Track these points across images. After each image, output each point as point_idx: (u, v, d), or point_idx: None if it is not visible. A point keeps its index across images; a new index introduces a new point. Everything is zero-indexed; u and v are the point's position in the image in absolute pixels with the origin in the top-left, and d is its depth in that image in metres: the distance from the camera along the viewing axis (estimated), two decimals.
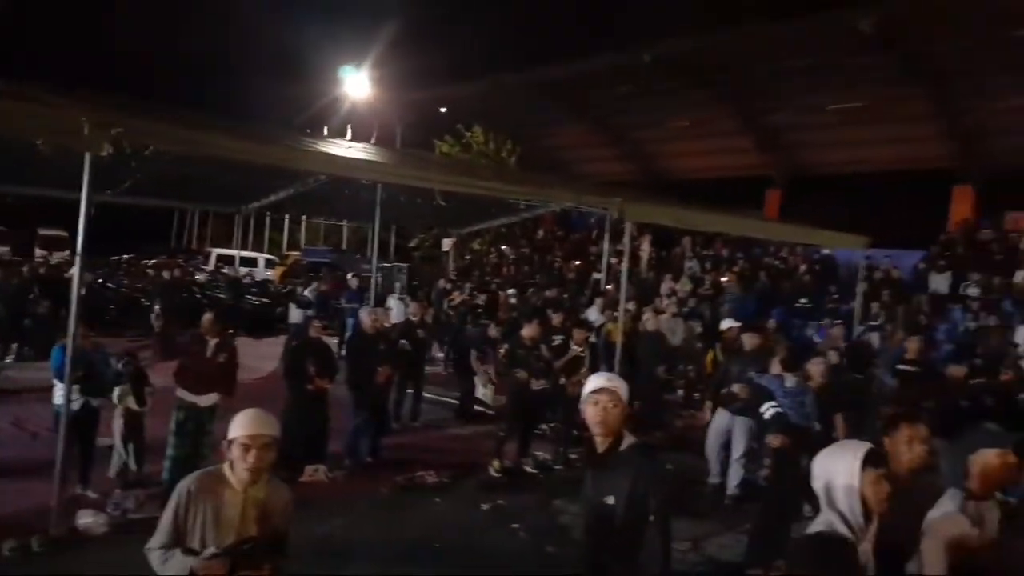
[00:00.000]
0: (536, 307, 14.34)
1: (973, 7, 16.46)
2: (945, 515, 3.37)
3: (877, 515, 2.79)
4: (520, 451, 8.49)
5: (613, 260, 14.89)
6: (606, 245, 13.57)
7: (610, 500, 3.07)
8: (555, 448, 8.97)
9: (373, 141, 20.89)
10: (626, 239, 10.64)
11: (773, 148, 24.38)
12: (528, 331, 8.57)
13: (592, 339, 10.67)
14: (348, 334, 12.53)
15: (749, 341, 8.23)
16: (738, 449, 7.73)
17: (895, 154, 21.52)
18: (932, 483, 3.76)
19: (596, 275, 17.67)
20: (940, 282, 17.89)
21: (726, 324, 10.26)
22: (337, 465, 7.93)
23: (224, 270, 22.83)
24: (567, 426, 8.87)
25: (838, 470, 2.83)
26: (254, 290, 20.60)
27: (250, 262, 26.29)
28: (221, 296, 18.36)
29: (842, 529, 2.84)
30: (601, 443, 3.16)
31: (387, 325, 9.44)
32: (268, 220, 34.54)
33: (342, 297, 15.78)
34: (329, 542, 6.00)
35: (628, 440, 3.16)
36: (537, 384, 8.29)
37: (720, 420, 8.00)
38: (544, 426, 9.36)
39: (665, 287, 18.41)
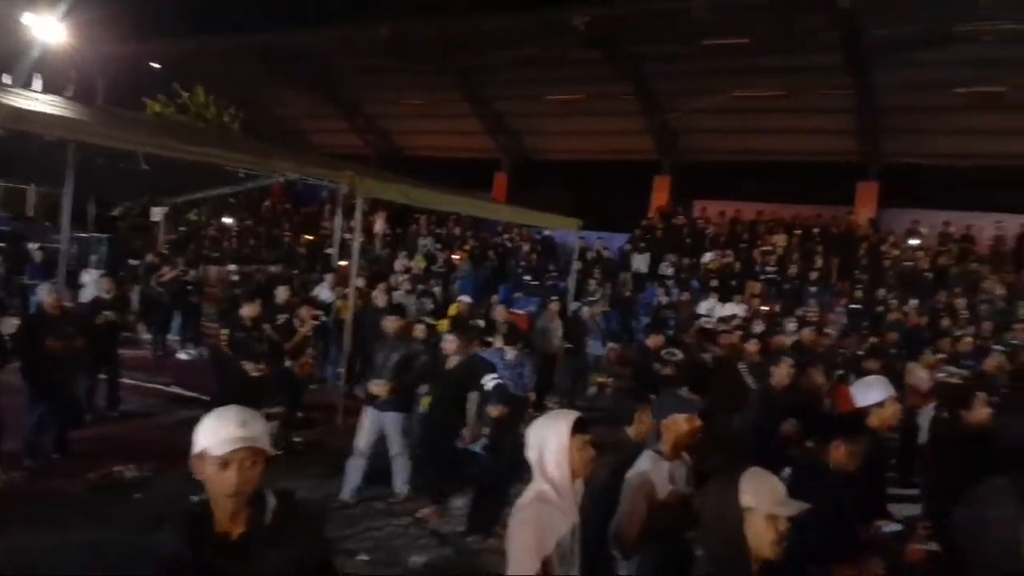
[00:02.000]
0: (260, 284, 13.53)
1: (672, 17, 18.39)
2: (638, 473, 3.67)
3: (583, 478, 2.94)
4: None
5: (346, 236, 14.51)
6: (338, 220, 13.18)
7: None
8: (278, 434, 8.49)
9: (69, 95, 18.22)
10: (358, 214, 10.37)
11: (500, 133, 25.43)
12: (248, 310, 7.94)
13: (323, 318, 10.29)
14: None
15: (392, 325, 7.01)
16: (395, 446, 6.73)
17: (606, 145, 23.58)
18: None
19: (328, 251, 17.14)
20: (641, 262, 19.95)
21: (461, 300, 10.43)
22: (15, 466, 6.79)
23: None
24: (291, 410, 8.45)
25: (549, 438, 2.92)
26: None
27: None
28: None
29: (552, 496, 2.94)
30: (230, 520, 2.19)
31: (71, 304, 8.25)
32: None
33: (25, 272, 13.65)
34: (12, 556, 5.10)
35: (271, 504, 2.27)
36: (256, 369, 7.67)
37: (370, 418, 6.74)
38: (267, 411, 8.81)
39: (399, 264, 18.41)
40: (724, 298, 16.71)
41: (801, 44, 18.08)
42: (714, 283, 17.66)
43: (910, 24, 16.67)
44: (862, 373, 8.62)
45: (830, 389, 9.27)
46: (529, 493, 2.95)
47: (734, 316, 13.58)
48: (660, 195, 23.49)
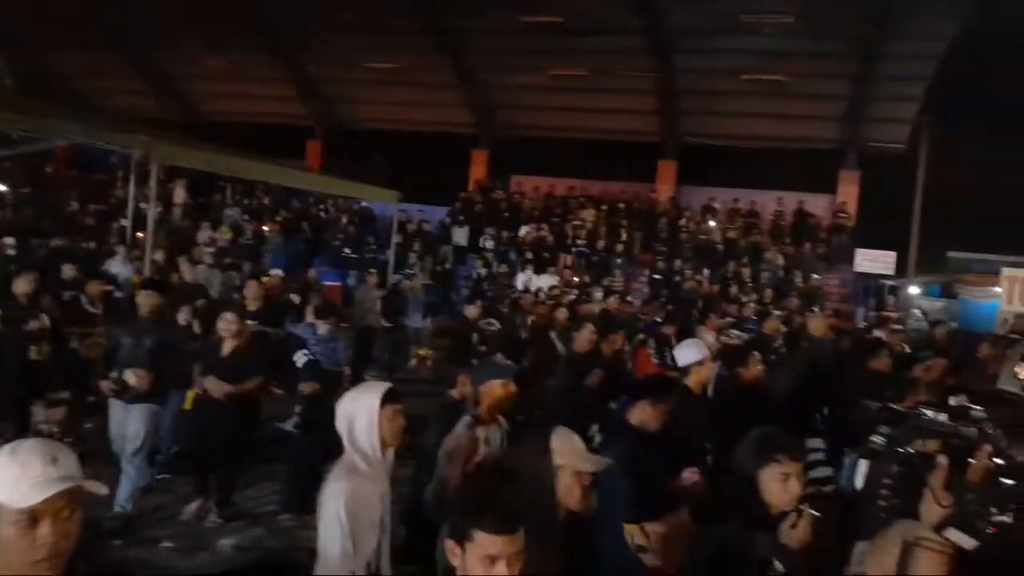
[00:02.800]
0: (41, 258, 12.17)
1: None
2: (454, 437, 3.75)
3: (392, 447, 2.96)
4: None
5: (143, 205, 13.35)
6: (132, 189, 12.10)
7: None
8: (63, 421, 7.71)
9: None
10: (153, 182, 9.58)
11: (314, 99, 24.47)
12: (21, 286, 7.08)
13: (117, 294, 9.45)
14: None
15: (146, 301, 5.85)
16: (134, 443, 5.62)
17: (426, 116, 23.42)
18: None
19: (122, 222, 15.72)
20: (461, 235, 20.15)
21: (273, 273, 10.00)
22: None
23: None
24: (79, 395, 7.69)
25: (359, 409, 2.91)
26: None
27: None
28: None
29: (362, 467, 2.92)
30: None
31: None
32: None
33: None
34: None
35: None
36: (37, 353, 6.79)
37: (115, 413, 5.78)
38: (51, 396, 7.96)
39: (203, 236, 17.27)
40: (539, 270, 17.32)
41: (609, 26, 18.92)
42: (530, 256, 18.22)
43: (705, 13, 17.93)
44: (660, 338, 9.32)
45: (632, 353, 9.97)
46: (340, 465, 2.93)
47: (553, 287, 14.14)
48: (479, 169, 23.76)
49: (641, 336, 10.73)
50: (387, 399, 2.92)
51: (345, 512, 2.69)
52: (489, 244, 19.51)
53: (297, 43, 22.50)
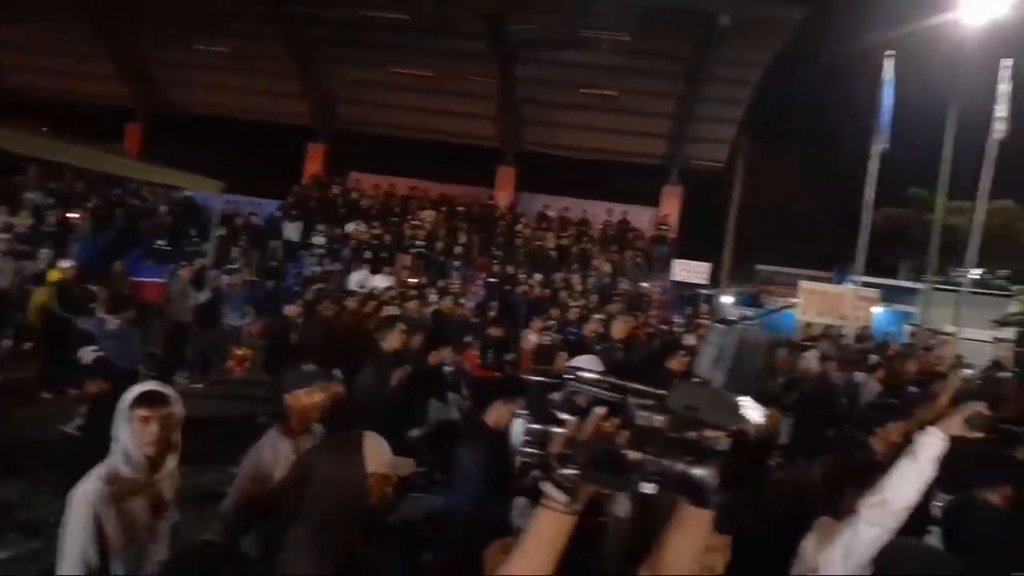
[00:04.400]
0: None
1: None
2: (257, 447, 3.50)
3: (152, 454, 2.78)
4: None
5: None
6: None
7: None
8: None
9: None
10: None
11: (137, 80, 22.76)
12: None
13: None
14: None
15: None
16: None
17: (260, 105, 22.41)
18: None
19: None
20: (293, 230, 19.42)
21: (64, 265, 9.12)
22: None
23: None
24: None
25: (118, 413, 2.79)
26: None
27: None
28: None
29: (124, 471, 2.75)
30: None
31: None
32: None
33: None
34: None
35: None
36: None
37: None
38: None
39: None
40: (375, 270, 17.02)
41: (454, 29, 18.99)
42: (367, 255, 17.88)
43: (547, 25, 18.43)
44: (488, 339, 9.44)
45: (461, 353, 10.02)
46: (98, 471, 2.76)
47: (389, 287, 13.90)
48: (314, 163, 23.06)
49: (469, 338, 10.92)
50: (139, 403, 2.75)
51: (78, 515, 2.59)
52: (320, 240, 18.91)
53: (119, 16, 20.81)
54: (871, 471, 2.82)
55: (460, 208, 21.03)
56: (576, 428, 1.43)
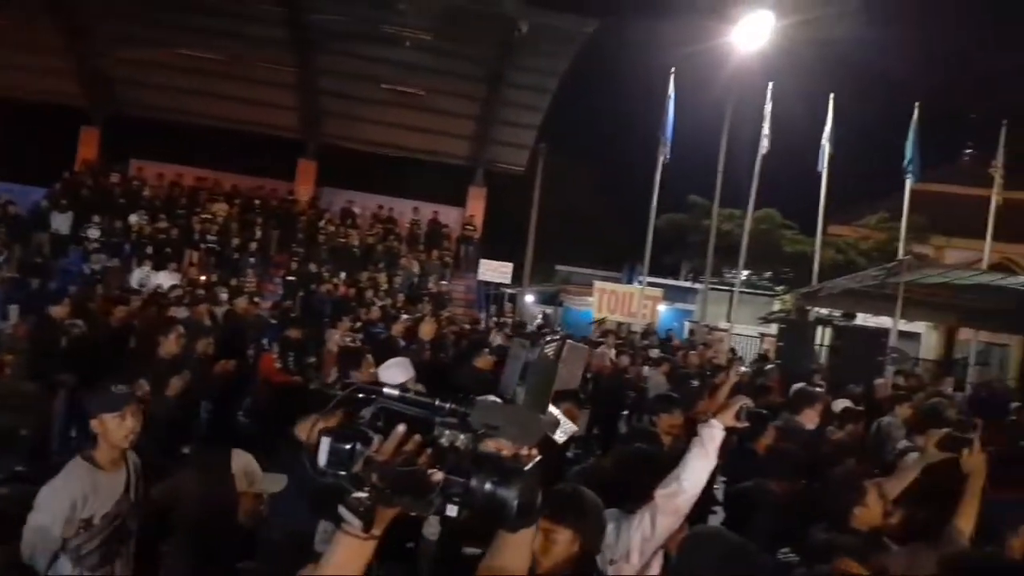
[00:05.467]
0: None
1: None
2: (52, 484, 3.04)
3: None
4: None
5: None
6: None
7: None
8: None
9: None
10: None
11: None
12: None
13: None
14: None
15: None
16: None
17: (25, 83, 19.83)
18: None
19: None
20: (62, 222, 17.39)
21: None
22: None
23: None
24: None
25: None
26: None
27: None
28: None
29: None
30: None
31: None
32: None
33: None
34: None
35: None
36: None
37: None
38: None
39: None
40: (159, 266, 15.69)
41: (249, 13, 17.95)
42: (149, 250, 16.42)
43: (348, 16, 17.92)
44: (285, 341, 8.97)
45: (255, 356, 9.46)
46: None
47: (175, 286, 12.82)
48: (88, 148, 20.82)
49: (265, 339, 10.35)
50: None
51: None
52: (93, 233, 17.04)
53: None
54: (661, 461, 2.98)
55: (256, 202, 19.93)
56: (377, 447, 1.34)
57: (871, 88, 23.63)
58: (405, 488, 1.32)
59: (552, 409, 1.73)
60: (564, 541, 2.33)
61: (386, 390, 1.47)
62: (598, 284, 19.91)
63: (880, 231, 22.55)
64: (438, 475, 1.34)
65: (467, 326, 13.08)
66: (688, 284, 25.80)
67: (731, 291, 19.17)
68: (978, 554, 2.84)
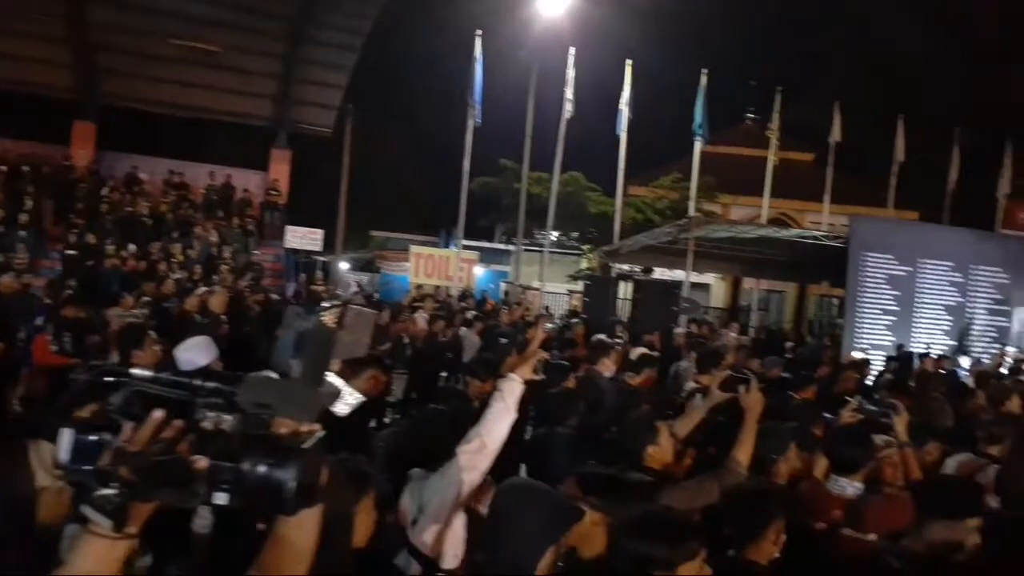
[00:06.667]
0: None
1: None
2: None
3: None
4: None
5: None
6: None
7: None
8: None
9: None
10: None
11: None
12: None
13: None
14: None
15: None
16: None
17: None
18: None
19: None
20: None
21: None
22: None
23: None
24: None
25: None
26: None
27: None
28: None
29: None
30: None
31: None
32: None
33: None
34: None
35: None
36: None
37: None
38: None
39: None
40: None
41: None
42: None
43: None
44: (60, 321, 8.09)
45: (28, 338, 8.47)
46: None
47: None
48: None
49: (41, 320, 9.28)
50: None
51: None
52: None
53: None
54: (463, 419, 2.99)
55: (25, 168, 17.67)
56: (129, 437, 1.20)
57: (665, 55, 25.06)
58: (163, 479, 1.19)
59: (334, 380, 1.63)
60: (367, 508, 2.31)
61: (136, 371, 1.31)
62: (414, 249, 19.78)
63: (674, 191, 24.16)
64: (203, 462, 1.22)
65: (275, 296, 12.51)
66: (503, 246, 26.35)
67: (542, 252, 19.77)
68: (752, 483, 3.11)
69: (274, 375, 1.45)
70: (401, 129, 29.90)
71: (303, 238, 18.82)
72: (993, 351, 13.38)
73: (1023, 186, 20.15)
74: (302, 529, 1.43)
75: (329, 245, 20.85)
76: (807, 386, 6.02)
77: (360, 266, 25.55)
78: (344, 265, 23.79)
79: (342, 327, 1.56)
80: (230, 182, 19.79)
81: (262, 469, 1.23)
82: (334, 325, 1.55)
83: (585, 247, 25.00)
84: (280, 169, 20.70)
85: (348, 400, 1.63)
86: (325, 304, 1.56)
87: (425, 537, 2.70)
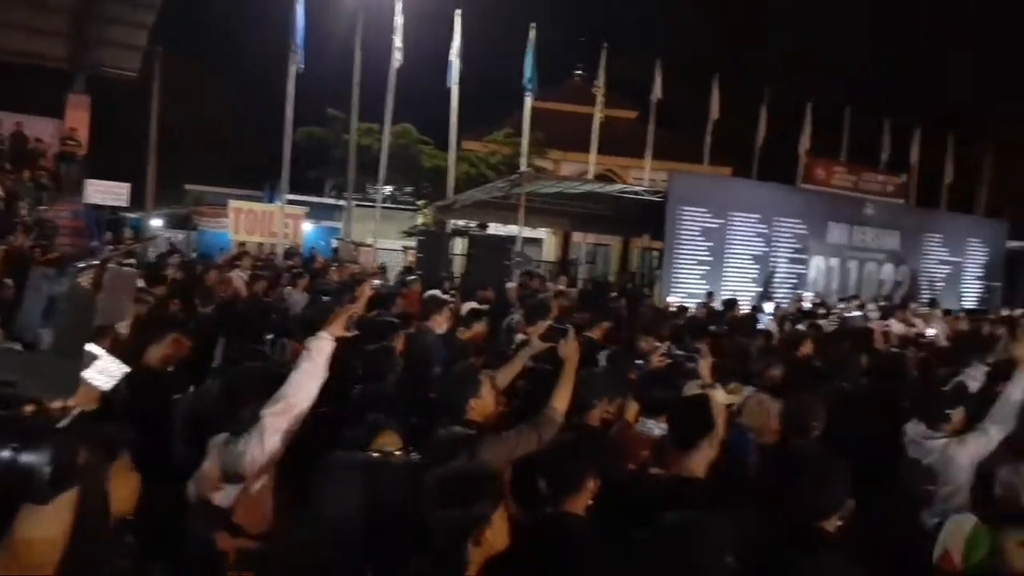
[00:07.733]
0: None
1: None
2: None
3: None
4: None
5: None
6: None
7: None
8: None
9: None
10: None
11: None
12: None
13: None
14: None
15: None
16: None
17: None
18: None
19: None
20: None
21: None
22: None
23: None
24: None
25: None
26: None
27: None
28: None
29: None
30: None
31: None
32: None
33: None
34: None
35: None
36: None
37: None
38: None
39: None
40: None
41: None
42: None
43: None
44: None
45: None
46: None
47: None
48: None
49: None
50: None
51: None
52: None
53: None
54: (268, 380, 2.87)
55: None
56: None
57: (497, 5, 24.87)
58: None
59: (95, 350, 1.45)
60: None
61: None
62: (233, 204, 18.59)
63: (506, 146, 24.32)
64: None
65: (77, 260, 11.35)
66: (333, 201, 25.46)
67: (375, 207, 19.28)
68: (566, 436, 3.20)
69: (17, 346, 1.27)
70: (217, 75, 27.90)
71: (106, 192, 17.17)
72: (792, 296, 14.81)
73: (821, 143, 22.00)
74: (52, 519, 1.27)
75: (138, 201, 19.20)
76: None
77: (174, 223, 23.77)
78: (156, 222, 22.09)
79: (100, 289, 1.38)
80: (20, 130, 17.63)
81: (7, 454, 1.11)
82: (91, 287, 1.36)
83: (420, 202, 24.72)
84: (78, 116, 18.64)
85: (112, 372, 1.45)
86: (79, 264, 1.37)
87: (230, 500, 2.60)
